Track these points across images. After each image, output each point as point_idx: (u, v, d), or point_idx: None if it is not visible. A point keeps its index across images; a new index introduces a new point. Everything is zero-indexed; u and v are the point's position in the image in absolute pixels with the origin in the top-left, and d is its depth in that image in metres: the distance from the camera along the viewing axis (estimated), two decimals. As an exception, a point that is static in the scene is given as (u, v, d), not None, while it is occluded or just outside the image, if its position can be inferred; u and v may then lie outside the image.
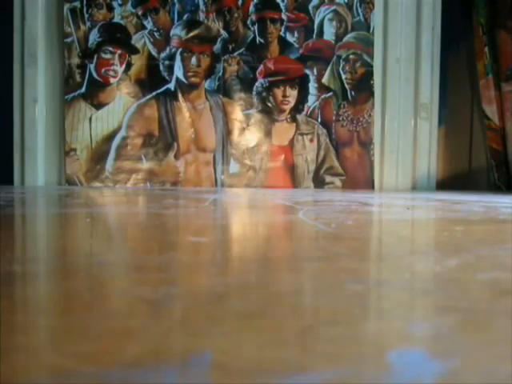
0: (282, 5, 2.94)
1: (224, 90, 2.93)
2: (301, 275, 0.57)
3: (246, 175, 2.95)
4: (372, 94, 2.96)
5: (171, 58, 2.91)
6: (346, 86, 2.96)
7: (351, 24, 2.96)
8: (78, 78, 2.89)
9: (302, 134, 2.96)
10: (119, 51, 2.90)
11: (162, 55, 2.91)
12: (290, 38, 2.95)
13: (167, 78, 2.91)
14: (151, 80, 2.91)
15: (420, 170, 3.03)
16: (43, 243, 0.85)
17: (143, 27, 2.91)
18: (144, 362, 0.30)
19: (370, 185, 2.98)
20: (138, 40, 2.91)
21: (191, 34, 2.91)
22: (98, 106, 2.90)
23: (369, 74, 2.96)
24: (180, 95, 2.91)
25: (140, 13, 2.91)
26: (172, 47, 2.91)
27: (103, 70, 2.89)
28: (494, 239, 0.90)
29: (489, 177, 3.06)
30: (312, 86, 2.95)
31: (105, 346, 0.33)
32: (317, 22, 2.96)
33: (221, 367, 0.29)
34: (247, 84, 2.93)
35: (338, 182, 2.98)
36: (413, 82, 2.99)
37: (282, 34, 2.95)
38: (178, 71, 2.91)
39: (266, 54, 2.94)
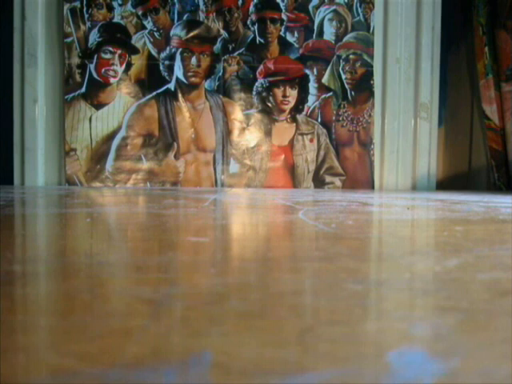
0: (281, 5, 2.94)
1: (224, 90, 2.93)
2: (301, 275, 0.57)
3: (245, 175, 2.95)
4: (372, 94, 2.96)
5: (171, 58, 2.91)
6: (346, 85, 2.96)
7: (351, 24, 2.96)
8: (78, 77, 2.89)
9: (302, 134, 2.96)
10: (119, 51, 2.90)
11: (162, 55, 2.91)
12: (290, 37, 2.95)
13: (167, 77, 2.91)
14: (151, 80, 2.91)
15: (420, 170, 3.03)
16: (43, 243, 0.85)
17: (143, 27, 2.91)
18: (144, 362, 0.30)
19: (370, 185, 2.98)
20: (138, 40, 2.91)
21: (191, 34, 2.91)
22: (98, 105, 2.90)
23: (369, 74, 2.96)
24: (180, 95, 2.91)
25: (140, 13, 2.91)
26: (172, 47, 2.91)
27: (103, 69, 2.89)
28: (493, 239, 0.90)
29: (489, 177, 3.05)
30: (312, 86, 2.95)
31: (105, 345, 0.33)
32: (317, 22, 2.96)
33: (221, 367, 0.29)
34: (247, 84, 2.93)
35: (338, 182, 2.98)
36: (413, 82, 3.00)
37: (282, 33, 2.95)
38: (178, 71, 2.91)
39: (266, 53, 2.94)
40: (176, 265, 0.62)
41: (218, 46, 2.92)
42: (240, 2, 2.93)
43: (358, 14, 2.96)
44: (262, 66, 2.93)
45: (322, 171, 2.98)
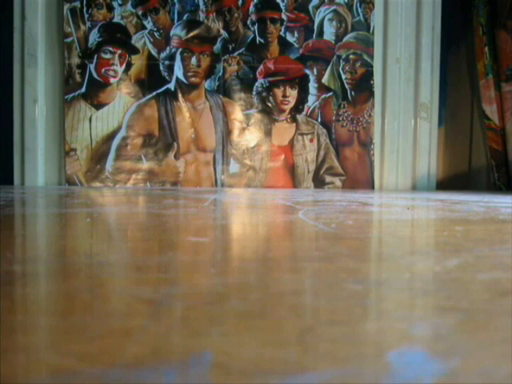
0: (281, 5, 2.94)
1: (224, 90, 2.92)
2: (301, 275, 0.57)
3: (245, 175, 2.95)
4: (372, 94, 2.96)
5: (171, 58, 2.91)
6: (346, 85, 2.96)
7: (351, 24, 2.96)
8: (78, 77, 2.89)
9: (302, 134, 2.96)
10: (119, 51, 2.90)
11: (162, 55, 2.91)
12: (290, 37, 2.95)
13: (167, 78, 2.91)
14: (151, 80, 2.91)
15: (420, 170, 3.03)
16: (43, 243, 0.85)
17: (143, 27, 2.91)
18: (144, 362, 0.30)
19: (370, 185, 2.98)
20: (138, 40, 2.91)
21: (191, 34, 2.91)
22: (98, 105, 2.90)
23: (369, 74, 2.96)
24: (180, 95, 2.91)
25: (140, 13, 2.91)
26: (172, 47, 2.91)
27: (103, 69, 2.89)
28: (493, 239, 0.90)
29: (489, 177, 3.05)
30: (312, 86, 2.95)
31: (105, 345, 0.33)
32: (317, 22, 2.96)
33: (221, 367, 0.29)
34: (247, 84, 2.93)
35: (338, 182, 2.98)
36: (413, 82, 3.00)
37: (282, 33, 2.95)
38: (178, 71, 2.91)
39: (266, 53, 2.94)
40: (176, 265, 0.62)
41: (218, 46, 2.92)
42: (240, 2, 2.93)
43: (358, 14, 2.96)
44: (261, 66, 2.93)
45: (322, 171, 2.97)
